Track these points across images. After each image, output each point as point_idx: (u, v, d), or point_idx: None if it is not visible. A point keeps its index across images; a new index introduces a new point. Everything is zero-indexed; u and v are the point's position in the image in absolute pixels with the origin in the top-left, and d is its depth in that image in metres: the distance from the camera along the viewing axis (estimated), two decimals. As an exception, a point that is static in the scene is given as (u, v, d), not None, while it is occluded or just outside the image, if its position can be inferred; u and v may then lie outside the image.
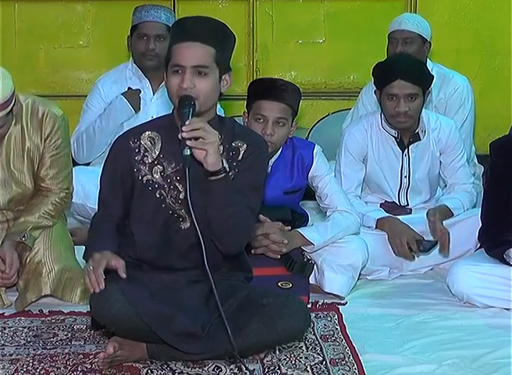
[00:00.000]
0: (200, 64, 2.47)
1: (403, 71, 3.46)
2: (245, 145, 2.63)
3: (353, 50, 5.41)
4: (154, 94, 4.11)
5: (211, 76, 2.50)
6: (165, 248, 2.64)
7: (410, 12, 5.28)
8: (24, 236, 3.12)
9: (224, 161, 2.44)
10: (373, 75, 3.63)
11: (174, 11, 5.13)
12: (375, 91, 3.65)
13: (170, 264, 2.65)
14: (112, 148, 2.70)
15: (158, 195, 2.61)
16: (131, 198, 2.65)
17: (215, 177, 2.41)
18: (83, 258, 2.66)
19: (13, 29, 5.35)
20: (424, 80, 3.53)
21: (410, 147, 3.65)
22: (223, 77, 2.55)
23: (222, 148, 2.58)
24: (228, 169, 2.46)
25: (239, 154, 2.63)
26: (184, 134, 2.35)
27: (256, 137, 2.73)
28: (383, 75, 3.53)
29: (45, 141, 3.18)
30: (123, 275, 2.49)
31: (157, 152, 2.62)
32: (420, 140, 3.64)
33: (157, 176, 2.61)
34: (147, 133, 2.64)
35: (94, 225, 2.72)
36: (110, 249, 2.56)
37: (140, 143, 2.62)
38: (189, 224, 2.61)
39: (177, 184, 2.61)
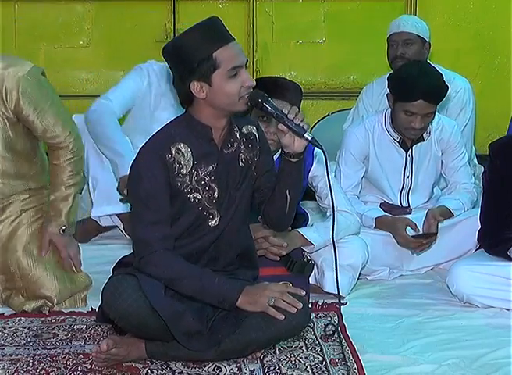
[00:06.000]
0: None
1: (426, 92, 3.37)
2: (254, 127, 2.69)
3: (353, 50, 5.42)
4: None
5: None
6: (189, 245, 2.61)
7: (410, 12, 5.29)
8: (64, 227, 3.08)
9: None
10: (389, 86, 3.53)
11: (174, 11, 5.13)
12: (387, 94, 3.57)
13: (190, 260, 2.60)
14: (143, 159, 2.54)
15: (192, 199, 2.58)
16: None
17: (297, 159, 2.52)
18: None
19: (13, 29, 5.35)
20: (443, 97, 3.48)
21: (413, 147, 3.65)
22: None
23: (238, 135, 2.63)
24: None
25: (256, 137, 2.68)
26: (296, 121, 2.45)
27: (250, 118, 2.77)
28: (403, 92, 3.42)
29: (17, 112, 2.94)
30: None
31: (190, 162, 2.56)
32: (423, 140, 3.64)
33: (193, 182, 2.58)
34: (176, 145, 2.54)
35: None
36: None
37: (174, 158, 2.54)
38: (217, 220, 2.62)
39: (211, 184, 2.59)
